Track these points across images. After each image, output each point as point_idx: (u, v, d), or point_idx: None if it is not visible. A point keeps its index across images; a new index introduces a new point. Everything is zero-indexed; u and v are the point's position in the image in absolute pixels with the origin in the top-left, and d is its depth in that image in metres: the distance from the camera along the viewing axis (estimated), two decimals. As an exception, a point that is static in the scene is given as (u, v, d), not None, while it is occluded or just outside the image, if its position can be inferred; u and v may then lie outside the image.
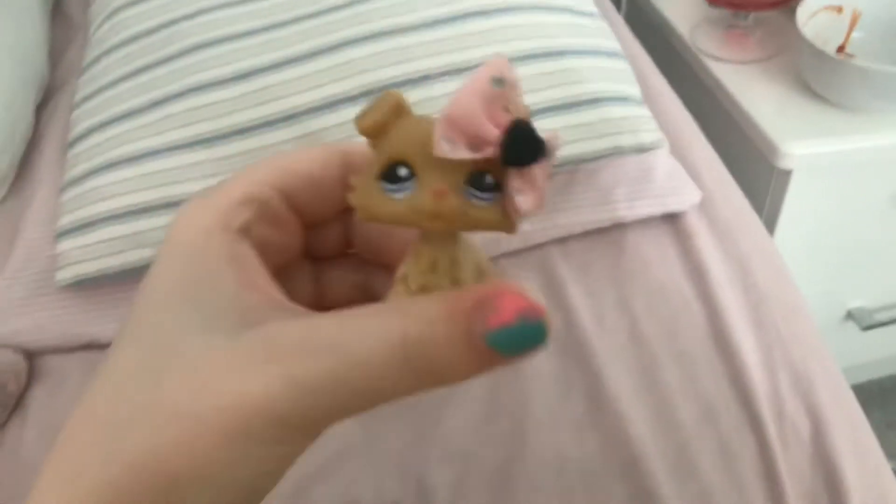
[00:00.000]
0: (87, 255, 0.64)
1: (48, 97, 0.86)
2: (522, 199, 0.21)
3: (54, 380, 0.64)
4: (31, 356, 0.65)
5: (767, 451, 0.54)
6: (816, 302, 0.96)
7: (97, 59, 0.74)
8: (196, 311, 0.19)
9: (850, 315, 1.03)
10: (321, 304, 0.27)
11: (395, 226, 0.21)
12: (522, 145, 0.20)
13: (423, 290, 0.22)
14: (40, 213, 0.73)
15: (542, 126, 0.63)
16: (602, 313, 0.63)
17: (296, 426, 0.18)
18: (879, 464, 0.55)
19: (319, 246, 0.26)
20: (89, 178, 0.66)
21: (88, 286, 0.65)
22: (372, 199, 0.21)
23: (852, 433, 0.56)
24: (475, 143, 0.20)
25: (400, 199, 0.21)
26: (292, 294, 0.24)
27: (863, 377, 1.23)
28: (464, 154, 0.20)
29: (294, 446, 0.19)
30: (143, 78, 0.69)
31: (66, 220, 0.65)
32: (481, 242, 0.24)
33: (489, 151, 0.20)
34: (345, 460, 0.56)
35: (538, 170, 0.21)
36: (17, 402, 0.62)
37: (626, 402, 0.57)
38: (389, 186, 0.21)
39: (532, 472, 0.55)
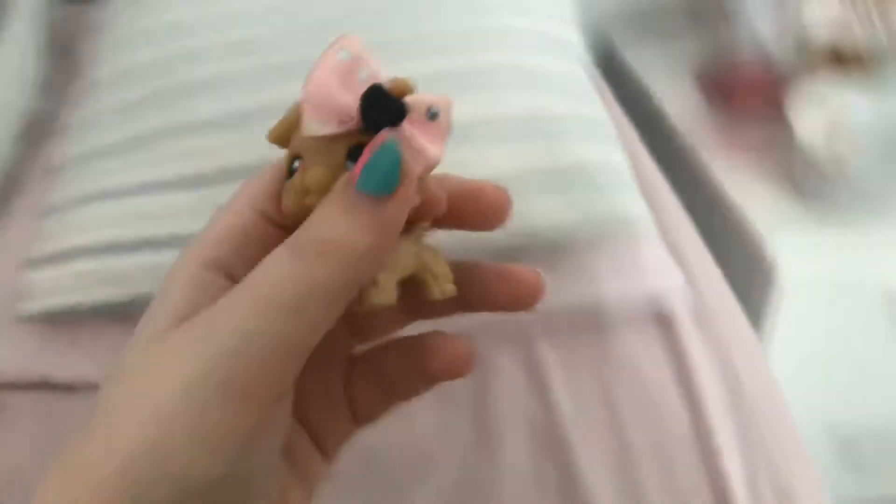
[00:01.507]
0: (57, 287, 0.61)
1: (35, 126, 0.84)
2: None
3: (4, 417, 0.60)
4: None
5: None
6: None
7: (89, 90, 0.73)
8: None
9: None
10: None
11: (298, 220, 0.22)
12: (376, 107, 0.20)
13: None
14: (11, 243, 0.70)
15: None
16: (580, 401, 0.59)
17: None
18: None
19: None
20: (70, 209, 0.64)
21: (47, 322, 0.63)
22: (284, 200, 0.23)
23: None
24: (341, 118, 0.21)
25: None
26: None
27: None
28: (329, 129, 0.21)
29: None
30: (135, 112, 0.68)
31: (39, 250, 0.63)
32: None
33: (353, 123, 0.21)
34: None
35: (411, 128, 0.21)
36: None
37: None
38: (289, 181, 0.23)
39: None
